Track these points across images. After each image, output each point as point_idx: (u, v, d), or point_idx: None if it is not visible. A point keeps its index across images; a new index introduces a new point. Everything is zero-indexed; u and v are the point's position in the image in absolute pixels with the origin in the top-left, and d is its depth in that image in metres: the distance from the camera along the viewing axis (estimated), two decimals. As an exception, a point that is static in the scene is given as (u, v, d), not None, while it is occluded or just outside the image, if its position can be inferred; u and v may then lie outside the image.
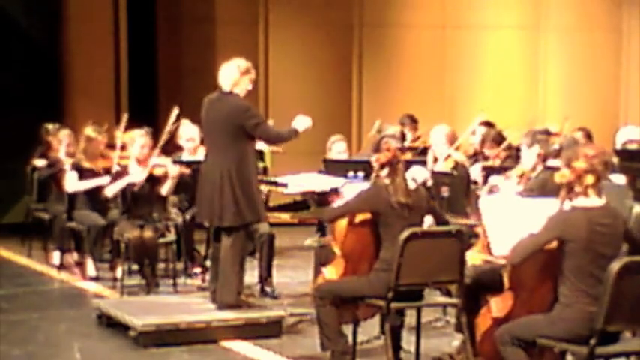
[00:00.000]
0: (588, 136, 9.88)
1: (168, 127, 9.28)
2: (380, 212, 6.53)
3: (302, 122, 7.95)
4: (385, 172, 6.64)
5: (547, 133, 8.53)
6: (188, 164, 9.35)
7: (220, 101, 7.73)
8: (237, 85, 7.73)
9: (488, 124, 10.62)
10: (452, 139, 9.09)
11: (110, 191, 9.33)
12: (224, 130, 7.68)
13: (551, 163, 7.44)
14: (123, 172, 9.30)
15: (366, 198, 6.60)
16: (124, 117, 10.40)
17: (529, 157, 7.47)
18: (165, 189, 9.18)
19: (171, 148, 9.97)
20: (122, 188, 9.16)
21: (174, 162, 9.37)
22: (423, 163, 9.05)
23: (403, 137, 11.54)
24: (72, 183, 9.81)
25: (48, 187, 10.64)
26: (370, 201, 6.57)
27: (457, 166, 8.92)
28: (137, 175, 9.11)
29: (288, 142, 8.26)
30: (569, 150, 5.82)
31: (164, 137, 9.39)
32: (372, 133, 10.74)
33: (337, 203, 6.86)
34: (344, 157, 9.31)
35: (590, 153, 5.55)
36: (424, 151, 10.16)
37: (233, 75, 7.72)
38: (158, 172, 9.13)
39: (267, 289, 8.95)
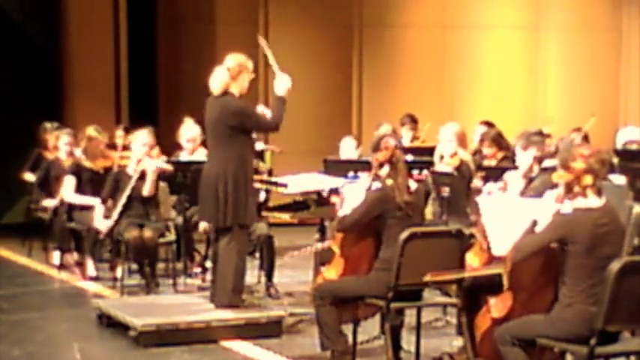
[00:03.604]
0: (584, 137, 9.87)
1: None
2: (387, 213, 6.54)
3: (281, 85, 7.80)
4: (385, 171, 6.65)
5: (540, 134, 8.50)
6: (186, 164, 9.33)
7: (216, 102, 7.72)
8: (230, 87, 7.70)
9: (488, 124, 10.62)
10: (461, 138, 9.07)
11: (94, 201, 9.43)
12: (218, 132, 7.69)
13: (547, 163, 7.41)
14: (121, 173, 9.29)
15: (375, 201, 6.59)
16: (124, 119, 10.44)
17: (525, 159, 7.44)
18: (145, 189, 9.14)
19: (172, 147, 9.99)
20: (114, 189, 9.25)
21: (169, 162, 9.37)
22: (422, 163, 9.04)
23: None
24: (69, 192, 9.81)
25: (48, 187, 10.63)
26: (380, 204, 6.57)
27: (462, 164, 8.90)
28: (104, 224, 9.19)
29: (287, 144, 8.20)
30: (566, 151, 5.81)
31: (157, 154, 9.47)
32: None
33: (344, 211, 6.79)
34: (355, 154, 9.30)
35: (586, 153, 5.55)
36: (422, 151, 10.14)
37: (223, 79, 7.69)
38: (142, 166, 9.11)
39: (272, 290, 8.94)
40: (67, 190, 9.84)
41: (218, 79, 7.68)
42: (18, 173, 11.29)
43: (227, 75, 7.66)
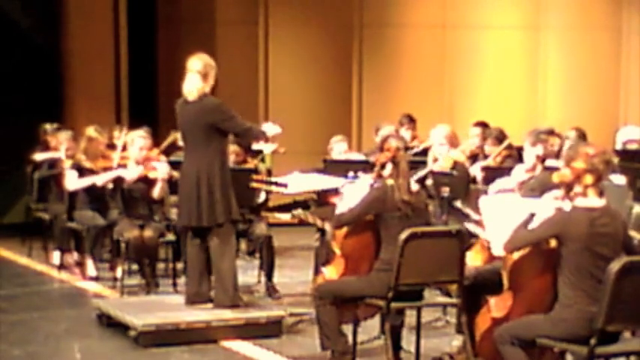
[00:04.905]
0: (583, 136, 9.86)
1: (162, 148, 9.35)
2: (386, 213, 6.53)
3: (271, 128, 7.96)
4: (387, 171, 6.65)
5: (552, 132, 8.46)
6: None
7: (191, 104, 7.72)
8: (204, 90, 7.70)
9: (484, 125, 10.60)
10: (452, 139, 9.09)
11: (100, 180, 9.37)
12: (196, 132, 7.68)
13: (549, 163, 7.42)
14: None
15: (373, 201, 6.58)
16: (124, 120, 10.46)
17: (531, 155, 7.46)
18: (156, 192, 9.16)
19: (172, 148, 9.98)
20: (116, 187, 9.23)
21: (170, 163, 9.37)
22: (421, 163, 9.05)
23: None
24: (72, 181, 9.82)
25: (48, 187, 10.64)
26: (377, 204, 6.56)
27: (456, 165, 8.91)
28: (130, 172, 9.10)
29: (287, 144, 8.19)
30: (570, 149, 5.80)
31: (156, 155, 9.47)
32: None
33: (341, 209, 6.79)
34: (345, 157, 9.30)
35: (591, 152, 5.54)
36: (422, 151, 10.14)
37: (198, 85, 7.70)
38: (152, 175, 9.13)
39: (272, 290, 8.94)
40: (70, 181, 9.84)
41: (194, 86, 7.71)
42: (23, 167, 11.30)
43: (200, 79, 7.68)
